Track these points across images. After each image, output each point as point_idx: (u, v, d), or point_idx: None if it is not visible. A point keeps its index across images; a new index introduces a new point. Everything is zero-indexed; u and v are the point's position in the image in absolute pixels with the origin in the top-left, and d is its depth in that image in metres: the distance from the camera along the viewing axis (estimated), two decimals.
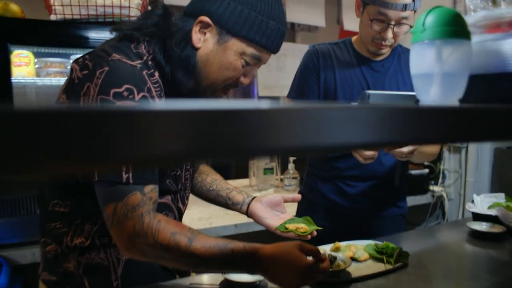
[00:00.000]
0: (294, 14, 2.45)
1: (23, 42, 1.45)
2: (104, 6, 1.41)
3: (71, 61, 1.69)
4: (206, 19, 0.90)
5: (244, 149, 0.31)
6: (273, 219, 1.10)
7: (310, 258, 0.90)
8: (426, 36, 0.64)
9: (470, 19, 0.70)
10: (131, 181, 0.82)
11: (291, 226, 1.07)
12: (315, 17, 2.54)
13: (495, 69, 0.66)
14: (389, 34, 1.33)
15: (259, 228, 1.85)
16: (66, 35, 1.44)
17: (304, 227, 1.07)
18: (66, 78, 1.64)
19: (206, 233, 1.70)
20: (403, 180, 1.55)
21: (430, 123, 0.48)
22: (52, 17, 1.43)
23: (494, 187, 2.12)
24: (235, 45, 0.91)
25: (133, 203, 0.82)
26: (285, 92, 2.64)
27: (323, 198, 1.52)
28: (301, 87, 1.50)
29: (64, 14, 1.41)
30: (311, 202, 1.54)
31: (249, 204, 1.13)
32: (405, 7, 1.28)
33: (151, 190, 0.85)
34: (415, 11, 1.32)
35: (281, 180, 2.55)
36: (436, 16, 0.64)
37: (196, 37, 0.92)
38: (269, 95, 2.58)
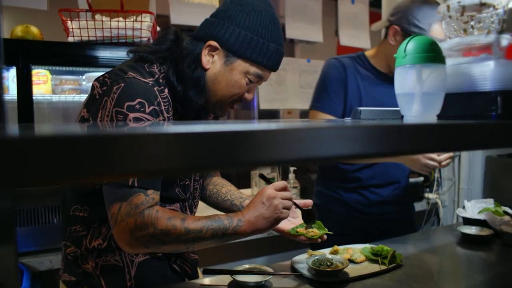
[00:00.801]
0: (292, 31, 2.57)
1: (42, 62, 1.56)
2: (118, 28, 1.52)
3: (84, 77, 1.80)
4: (214, 43, 1.02)
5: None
6: (285, 224, 1.18)
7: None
8: (407, 61, 0.75)
9: (446, 44, 0.81)
10: (136, 184, 0.92)
11: (302, 230, 1.16)
12: (313, 33, 2.65)
13: (468, 89, 0.76)
14: None
15: (260, 235, 1.94)
16: (82, 55, 1.55)
17: (315, 230, 1.16)
18: (79, 94, 1.76)
19: None
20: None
21: (411, 137, 0.58)
22: (70, 39, 1.54)
23: (486, 193, 2.22)
24: (240, 66, 1.03)
25: (136, 203, 0.91)
26: (285, 105, 2.76)
27: (348, 207, 1.61)
28: (329, 97, 1.52)
29: (81, 36, 1.52)
30: (332, 212, 1.64)
31: None
32: None
33: (153, 192, 0.95)
34: None
35: None
36: (416, 43, 0.75)
37: (205, 59, 1.04)
38: (270, 108, 2.69)
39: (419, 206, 2.39)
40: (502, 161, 2.23)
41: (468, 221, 1.57)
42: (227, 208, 1.27)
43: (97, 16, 1.53)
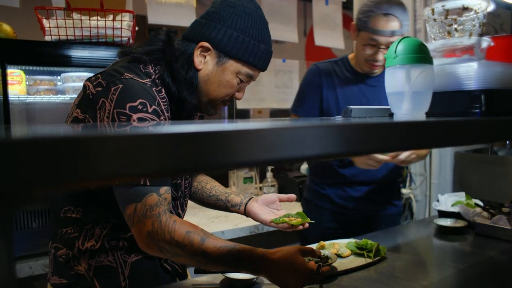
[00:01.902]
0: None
1: (17, 61, 1.50)
2: (97, 27, 1.49)
3: (60, 78, 1.75)
4: (206, 44, 1.04)
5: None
6: (269, 215, 1.19)
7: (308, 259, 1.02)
8: (397, 61, 0.79)
9: (431, 46, 0.85)
10: (148, 183, 0.92)
11: (285, 219, 1.17)
12: (289, 33, 2.69)
13: (453, 88, 0.81)
14: (380, 56, 1.51)
15: (244, 233, 1.95)
16: (59, 55, 1.51)
17: (297, 219, 1.18)
18: (56, 95, 1.70)
19: None
20: (398, 181, 1.76)
21: (401, 134, 0.61)
22: (47, 38, 1.49)
23: (456, 187, 2.33)
24: (232, 66, 1.05)
25: (151, 203, 0.91)
26: (262, 105, 2.79)
27: (331, 202, 1.68)
28: (304, 101, 1.64)
29: (59, 35, 1.48)
30: (318, 206, 1.70)
31: (246, 204, 1.23)
32: (393, 33, 1.46)
33: (165, 191, 0.95)
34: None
35: (260, 188, 2.67)
36: (406, 45, 0.79)
37: (198, 60, 1.05)
38: (247, 107, 2.71)
39: None
40: (469, 157, 2.35)
41: (443, 214, 1.65)
42: (213, 203, 1.28)
43: (75, 15, 1.49)
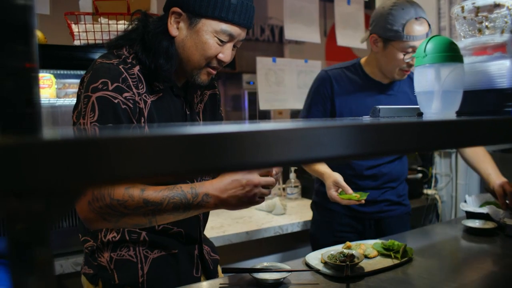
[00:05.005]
0: (291, 32, 2.60)
1: (47, 66, 1.56)
2: (124, 31, 1.52)
3: None
4: (177, 9, 1.03)
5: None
6: None
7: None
8: (427, 60, 0.78)
9: (461, 44, 0.84)
10: None
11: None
12: (310, 34, 2.69)
13: (484, 86, 0.79)
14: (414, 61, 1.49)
15: (268, 234, 1.96)
16: (87, 59, 1.55)
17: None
18: None
19: (219, 240, 1.79)
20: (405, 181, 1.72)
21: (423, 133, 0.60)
22: (76, 42, 1.54)
23: (483, 188, 2.27)
24: (205, 25, 1.02)
25: None
26: (285, 105, 2.79)
27: (342, 205, 1.65)
28: (312, 110, 1.61)
29: (87, 40, 1.52)
30: (329, 209, 1.68)
31: None
32: (427, 35, 1.46)
33: None
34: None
35: (283, 189, 2.67)
36: (435, 44, 0.78)
37: (172, 27, 1.05)
38: (270, 108, 2.71)
39: (418, 202, 2.44)
40: (497, 157, 2.29)
41: (471, 215, 1.61)
42: None
43: (103, 20, 1.53)
